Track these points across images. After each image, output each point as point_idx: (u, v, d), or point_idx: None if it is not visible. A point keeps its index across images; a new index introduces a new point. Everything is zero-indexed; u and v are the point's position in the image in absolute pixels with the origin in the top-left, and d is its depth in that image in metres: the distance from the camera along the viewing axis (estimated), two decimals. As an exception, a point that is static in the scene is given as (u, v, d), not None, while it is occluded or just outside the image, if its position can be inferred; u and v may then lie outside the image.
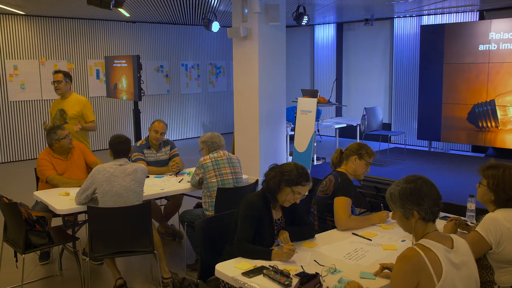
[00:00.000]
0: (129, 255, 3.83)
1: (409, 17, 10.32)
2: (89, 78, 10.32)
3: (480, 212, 2.95)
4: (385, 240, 2.97)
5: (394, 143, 9.20)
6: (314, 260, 2.65)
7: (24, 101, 9.47)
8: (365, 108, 8.36)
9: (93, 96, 10.40)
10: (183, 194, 4.83)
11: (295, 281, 2.30)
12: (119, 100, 10.54)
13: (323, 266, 2.56)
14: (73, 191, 3.94)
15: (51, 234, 3.78)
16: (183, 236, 4.90)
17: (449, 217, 3.24)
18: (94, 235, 3.59)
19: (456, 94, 8.78)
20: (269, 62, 6.95)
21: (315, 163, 7.96)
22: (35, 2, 7.80)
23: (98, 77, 10.44)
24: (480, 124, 8.48)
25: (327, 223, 3.37)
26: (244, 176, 4.48)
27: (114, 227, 3.62)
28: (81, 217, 4.20)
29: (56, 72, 5.42)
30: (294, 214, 3.04)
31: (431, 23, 9.88)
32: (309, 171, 2.95)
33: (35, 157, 9.28)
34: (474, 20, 9.33)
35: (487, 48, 8.28)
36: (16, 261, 3.87)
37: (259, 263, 2.58)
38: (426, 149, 9.57)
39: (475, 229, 2.60)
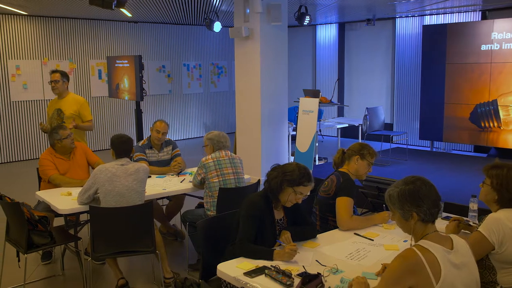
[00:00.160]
0: (131, 255, 3.83)
1: (411, 17, 10.31)
2: (91, 78, 10.33)
3: (483, 213, 2.94)
4: (387, 241, 2.96)
5: (396, 143, 9.19)
6: (316, 260, 2.64)
7: (26, 101, 9.48)
8: (367, 108, 8.35)
9: (95, 96, 10.42)
10: (185, 194, 4.83)
11: (297, 281, 2.30)
12: (121, 100, 10.55)
13: (325, 266, 2.56)
14: (75, 191, 3.94)
15: (53, 234, 3.78)
16: (185, 236, 4.90)
17: (451, 217, 3.24)
18: (96, 235, 3.60)
19: (458, 94, 8.77)
20: (271, 62, 6.95)
21: (317, 163, 7.96)
22: (37, 2, 7.82)
23: (100, 77, 10.45)
24: (483, 124, 8.47)
25: (329, 223, 3.37)
26: (246, 176, 4.48)
27: (116, 227, 3.63)
28: (83, 217, 4.20)
29: (53, 71, 5.40)
30: (296, 214, 3.03)
31: (433, 23, 9.87)
32: (311, 171, 2.95)
33: (37, 157, 9.30)
34: (477, 20, 9.32)
35: (490, 48, 8.26)
36: (19, 260, 3.88)
37: (261, 263, 2.58)
38: (428, 149, 9.56)
39: (478, 229, 2.59)
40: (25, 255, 3.61)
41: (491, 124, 8.36)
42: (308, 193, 2.93)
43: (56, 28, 9.76)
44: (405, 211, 2.12)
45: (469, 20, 9.45)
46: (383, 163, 7.55)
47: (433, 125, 9.13)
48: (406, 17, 10.37)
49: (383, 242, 2.94)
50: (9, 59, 9.22)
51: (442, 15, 9.80)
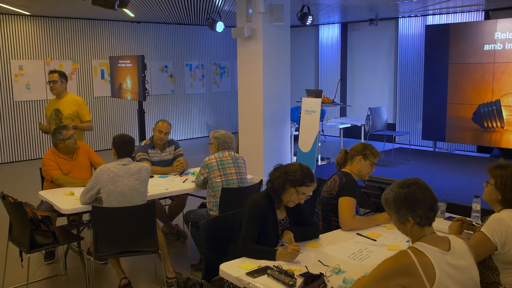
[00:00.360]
0: (133, 255, 3.84)
1: (413, 17, 10.29)
2: (94, 78, 10.35)
3: (486, 213, 2.93)
4: (389, 241, 2.96)
5: (398, 143, 9.19)
6: (319, 260, 2.64)
7: (29, 101, 9.51)
8: (369, 108, 8.34)
9: (98, 96, 10.44)
10: (188, 194, 4.83)
11: (299, 281, 2.30)
12: (123, 100, 10.57)
13: (328, 266, 2.56)
14: (78, 191, 3.95)
15: (56, 234, 3.79)
16: (187, 236, 4.90)
17: (454, 217, 3.23)
18: (99, 234, 3.60)
19: (461, 94, 8.75)
20: (273, 62, 6.95)
21: (319, 163, 7.95)
22: (40, 3, 7.83)
23: (103, 77, 10.47)
24: (486, 124, 8.45)
25: (331, 223, 3.36)
26: (249, 176, 4.48)
27: (119, 227, 3.63)
28: (86, 217, 4.21)
29: (52, 72, 5.37)
30: (299, 214, 3.03)
31: (436, 23, 9.85)
32: (313, 172, 2.94)
33: (40, 157, 9.32)
34: (480, 20, 9.30)
35: (493, 48, 8.24)
36: (22, 260, 3.88)
37: (263, 263, 2.58)
38: (431, 149, 9.54)
39: (480, 230, 2.59)
40: (28, 254, 3.61)
41: (494, 124, 8.34)
42: (311, 193, 2.92)
43: (59, 28, 9.78)
44: (400, 215, 2.12)
45: (472, 20, 9.43)
46: (385, 163, 7.54)
47: (435, 125, 9.11)
48: (408, 17, 10.35)
49: (385, 242, 2.94)
50: (12, 59, 9.24)
51: (445, 15, 9.78)
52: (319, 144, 7.58)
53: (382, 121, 8.61)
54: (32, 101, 9.52)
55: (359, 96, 11.62)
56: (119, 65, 8.41)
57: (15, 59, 9.27)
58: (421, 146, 10.05)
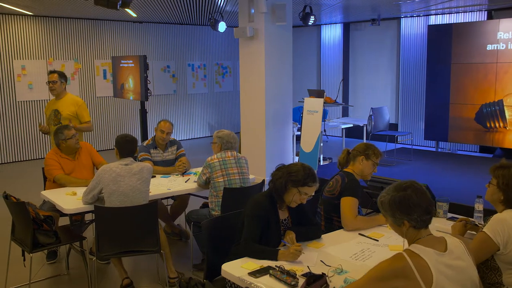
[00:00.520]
0: (135, 255, 3.84)
1: (416, 17, 10.28)
2: (96, 78, 10.37)
3: (488, 213, 2.93)
4: (392, 241, 2.96)
5: (401, 144, 9.17)
6: (321, 261, 2.64)
7: (31, 101, 9.53)
8: (371, 108, 8.33)
9: (100, 96, 10.45)
10: (190, 194, 4.83)
11: (301, 281, 2.30)
12: (126, 100, 10.58)
13: (330, 266, 2.55)
14: (80, 191, 3.95)
15: (58, 234, 3.80)
16: (190, 236, 4.91)
17: (457, 217, 3.22)
18: (101, 234, 3.60)
19: (463, 94, 8.73)
20: (275, 62, 6.95)
21: (321, 163, 7.95)
22: (43, 3, 7.85)
23: (105, 77, 10.48)
24: (488, 125, 8.43)
25: (333, 223, 3.36)
26: (251, 176, 4.48)
27: (121, 226, 3.63)
28: (88, 217, 4.22)
29: (51, 72, 5.33)
30: (301, 214, 3.03)
31: (438, 23, 9.83)
32: (316, 172, 2.94)
33: (42, 157, 9.33)
34: (482, 19, 9.28)
35: (495, 48, 8.22)
36: (24, 260, 3.89)
37: (265, 263, 2.58)
38: (433, 149, 9.53)
39: (483, 230, 2.58)
40: (31, 254, 3.62)
41: (497, 125, 8.33)
42: (313, 194, 2.92)
43: (61, 28, 9.80)
44: (396, 218, 2.12)
45: (474, 20, 9.41)
46: (388, 163, 7.53)
47: (438, 125, 9.10)
48: (411, 17, 10.33)
49: (388, 242, 2.93)
50: (14, 59, 9.26)
51: (448, 15, 9.76)
52: (321, 144, 7.57)
53: (384, 121, 8.60)
54: (34, 101, 9.54)
55: (361, 96, 11.61)
56: (121, 65, 8.42)
57: (17, 59, 9.29)
58: (424, 146, 10.04)
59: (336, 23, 11.77)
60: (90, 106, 10.30)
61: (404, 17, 10.44)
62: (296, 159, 7.63)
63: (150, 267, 4.44)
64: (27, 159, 9.57)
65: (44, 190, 4.45)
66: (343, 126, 8.87)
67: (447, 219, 3.34)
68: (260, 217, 2.80)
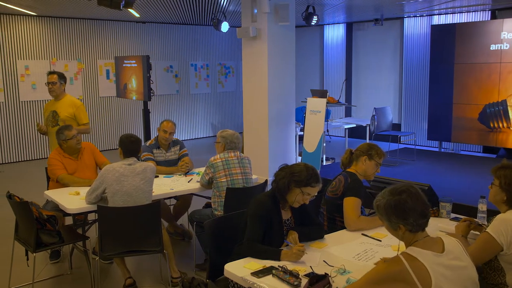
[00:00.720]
0: (138, 255, 3.85)
1: (419, 17, 10.25)
2: (99, 78, 10.39)
3: (492, 214, 2.92)
4: (394, 241, 2.93)
5: (404, 144, 9.16)
6: (324, 261, 2.64)
7: (35, 101, 9.55)
8: (374, 108, 8.32)
9: (103, 96, 10.47)
10: (192, 194, 4.84)
11: (304, 281, 2.29)
12: (128, 100, 10.60)
13: (333, 266, 2.55)
14: (83, 191, 3.96)
15: (62, 233, 3.81)
16: (192, 236, 4.91)
17: (460, 218, 3.21)
18: (104, 234, 3.61)
19: (467, 94, 8.71)
20: (278, 62, 6.95)
21: (324, 164, 7.94)
22: (46, 3, 7.87)
23: (108, 77, 10.50)
24: (492, 125, 8.41)
25: (336, 223, 3.36)
26: (253, 176, 4.48)
27: (124, 226, 3.64)
28: (91, 216, 4.23)
29: (50, 73, 5.28)
30: (304, 214, 3.03)
31: (441, 23, 9.81)
32: (319, 172, 2.94)
33: (45, 157, 9.36)
34: (486, 19, 9.25)
35: (499, 48, 8.20)
36: (27, 259, 3.90)
37: (268, 263, 2.58)
38: (437, 149, 9.50)
39: (486, 230, 2.58)
40: (34, 254, 3.63)
41: (500, 125, 8.30)
42: (316, 194, 2.92)
43: (65, 28, 9.82)
44: (392, 222, 2.12)
45: (478, 20, 9.38)
46: (391, 163, 7.52)
47: (441, 125, 9.08)
48: (414, 17, 10.31)
49: (390, 242, 2.92)
50: (18, 59, 9.29)
51: (451, 14, 9.74)
52: (324, 144, 7.57)
53: (387, 121, 8.59)
54: (37, 101, 9.56)
55: (364, 96, 11.60)
56: (124, 65, 8.44)
57: (21, 59, 9.32)
58: (427, 146, 10.02)
59: (339, 23, 11.76)
60: (93, 106, 10.33)
61: (407, 17, 10.42)
62: (299, 159, 7.63)
63: (153, 267, 4.44)
64: (31, 159, 9.59)
65: (48, 190, 4.46)
66: (346, 126, 8.86)
67: (450, 219, 3.33)
68: (263, 217, 2.80)
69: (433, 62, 9.18)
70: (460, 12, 9.59)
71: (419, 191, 2.13)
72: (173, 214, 5.16)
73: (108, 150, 10.42)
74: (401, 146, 8.70)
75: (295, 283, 2.30)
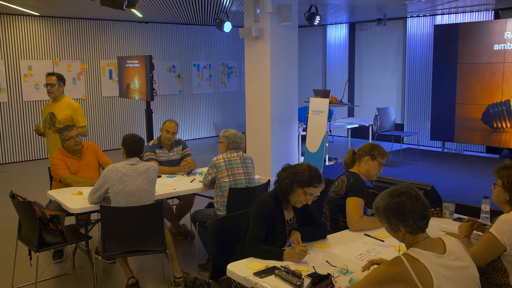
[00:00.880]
0: (141, 254, 3.85)
1: (422, 17, 10.24)
2: (102, 78, 10.40)
3: (495, 214, 2.91)
4: (397, 241, 2.93)
5: (406, 144, 9.14)
6: (326, 261, 2.64)
7: (38, 101, 9.57)
8: (377, 108, 8.31)
9: (106, 96, 10.49)
10: (195, 194, 4.84)
11: (306, 281, 2.29)
12: (131, 100, 10.61)
13: (335, 266, 2.55)
14: (86, 190, 3.97)
15: (64, 233, 3.81)
16: (195, 235, 4.91)
17: (463, 218, 3.21)
18: (107, 234, 3.62)
19: (470, 94, 8.69)
20: (281, 62, 6.95)
21: (327, 164, 7.94)
22: (49, 3, 7.89)
23: (111, 77, 10.52)
24: (495, 125, 8.38)
25: (339, 223, 3.35)
26: (256, 176, 4.48)
27: (127, 226, 3.64)
28: (94, 216, 4.23)
29: (50, 74, 5.22)
30: (306, 214, 3.02)
31: (444, 23, 9.79)
32: (321, 172, 2.94)
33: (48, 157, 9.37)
34: (489, 19, 9.22)
35: (503, 48, 8.18)
36: (30, 259, 3.91)
37: (270, 263, 2.57)
38: (440, 150, 9.49)
39: (489, 231, 2.57)
40: (37, 253, 3.64)
41: (504, 125, 8.28)
42: (318, 194, 2.91)
43: (68, 28, 9.84)
44: (391, 224, 2.11)
45: (481, 20, 9.36)
46: (393, 163, 7.51)
47: (444, 125, 9.06)
48: (417, 16, 10.30)
49: (393, 243, 2.91)
50: (21, 59, 9.31)
51: (454, 14, 9.72)
52: (327, 145, 7.56)
53: (390, 121, 8.57)
54: (40, 101, 9.58)
55: (367, 96, 11.58)
56: (127, 65, 8.45)
57: (24, 59, 9.34)
58: (430, 146, 10.00)
59: (342, 23, 11.75)
60: (96, 106, 10.35)
61: (410, 17, 10.40)
62: (302, 159, 7.62)
63: (155, 266, 4.44)
64: (34, 158, 9.62)
65: (51, 189, 4.47)
66: (349, 126, 8.85)
67: (453, 219, 3.32)
68: (265, 217, 2.80)
69: (436, 62, 9.16)
70: (463, 12, 9.56)
71: (419, 192, 2.12)
72: (175, 214, 5.16)
73: (111, 150, 10.43)
74: (404, 146, 8.68)
75: (298, 283, 2.30)
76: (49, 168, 4.62)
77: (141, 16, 9.68)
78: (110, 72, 10.50)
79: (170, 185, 4.40)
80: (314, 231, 2.97)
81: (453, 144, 9.52)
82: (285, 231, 2.90)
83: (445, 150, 9.41)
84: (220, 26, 8.98)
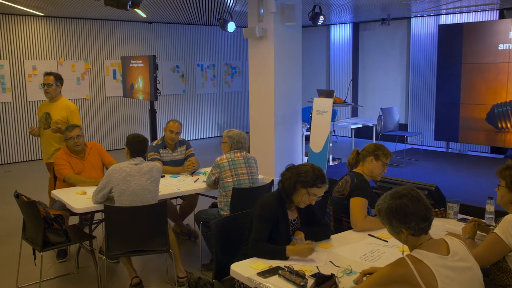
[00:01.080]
0: (145, 254, 3.86)
1: (426, 17, 10.21)
2: (106, 78, 10.43)
3: (500, 215, 2.90)
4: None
5: (410, 144, 9.11)
6: (330, 261, 2.63)
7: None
8: (381, 108, 8.29)
9: (110, 96, 10.51)
10: (199, 194, 4.84)
11: (310, 282, 2.29)
12: (135, 100, 10.63)
13: (339, 267, 2.54)
14: (90, 190, 3.98)
15: (68, 233, 3.83)
16: (199, 235, 4.91)
17: (468, 219, 3.19)
18: (111, 234, 3.62)
19: (474, 94, 8.66)
20: (285, 62, 6.94)
21: (330, 164, 7.92)
22: (53, 4, 7.91)
23: (114, 77, 10.54)
24: (499, 125, 8.35)
25: (343, 224, 3.35)
26: (260, 176, 4.48)
27: (130, 226, 3.65)
28: (98, 216, 4.24)
29: (47, 74, 5.16)
30: (310, 214, 3.02)
31: (449, 23, 9.76)
32: (325, 173, 2.93)
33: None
34: (494, 19, 9.19)
35: (507, 48, 8.14)
36: (35, 258, 3.92)
37: (274, 263, 2.57)
38: (444, 150, 9.46)
39: (494, 231, 2.56)
40: (41, 253, 3.65)
41: (509, 125, 8.24)
42: (322, 195, 2.91)
43: (72, 28, 9.87)
44: (393, 226, 2.10)
45: (486, 19, 9.32)
46: (397, 164, 7.49)
47: (448, 125, 9.03)
48: (421, 16, 10.27)
49: (397, 243, 2.90)
50: (25, 59, 9.34)
51: (458, 14, 9.69)
52: (331, 145, 7.55)
53: (394, 122, 8.55)
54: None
55: (370, 96, 11.56)
56: (131, 65, 8.46)
57: (28, 59, 9.38)
58: (434, 146, 9.97)
59: (346, 23, 11.73)
60: (100, 106, 10.37)
61: (414, 16, 10.37)
62: (305, 159, 7.62)
63: (159, 266, 4.45)
64: (38, 158, 9.64)
65: (54, 189, 4.48)
66: (353, 126, 8.83)
67: (457, 220, 3.31)
68: (269, 218, 2.80)
69: (440, 62, 9.13)
70: (467, 12, 9.53)
71: (421, 194, 2.11)
72: (179, 214, 5.17)
73: (115, 150, 10.45)
74: (408, 146, 8.66)
75: (301, 283, 2.30)
76: (53, 168, 4.63)
77: (145, 16, 9.69)
78: (114, 72, 10.52)
79: (173, 185, 4.40)
80: (318, 231, 2.97)
81: (458, 144, 9.48)
82: (289, 231, 2.89)
83: (449, 150, 9.38)
84: (223, 26, 8.98)
